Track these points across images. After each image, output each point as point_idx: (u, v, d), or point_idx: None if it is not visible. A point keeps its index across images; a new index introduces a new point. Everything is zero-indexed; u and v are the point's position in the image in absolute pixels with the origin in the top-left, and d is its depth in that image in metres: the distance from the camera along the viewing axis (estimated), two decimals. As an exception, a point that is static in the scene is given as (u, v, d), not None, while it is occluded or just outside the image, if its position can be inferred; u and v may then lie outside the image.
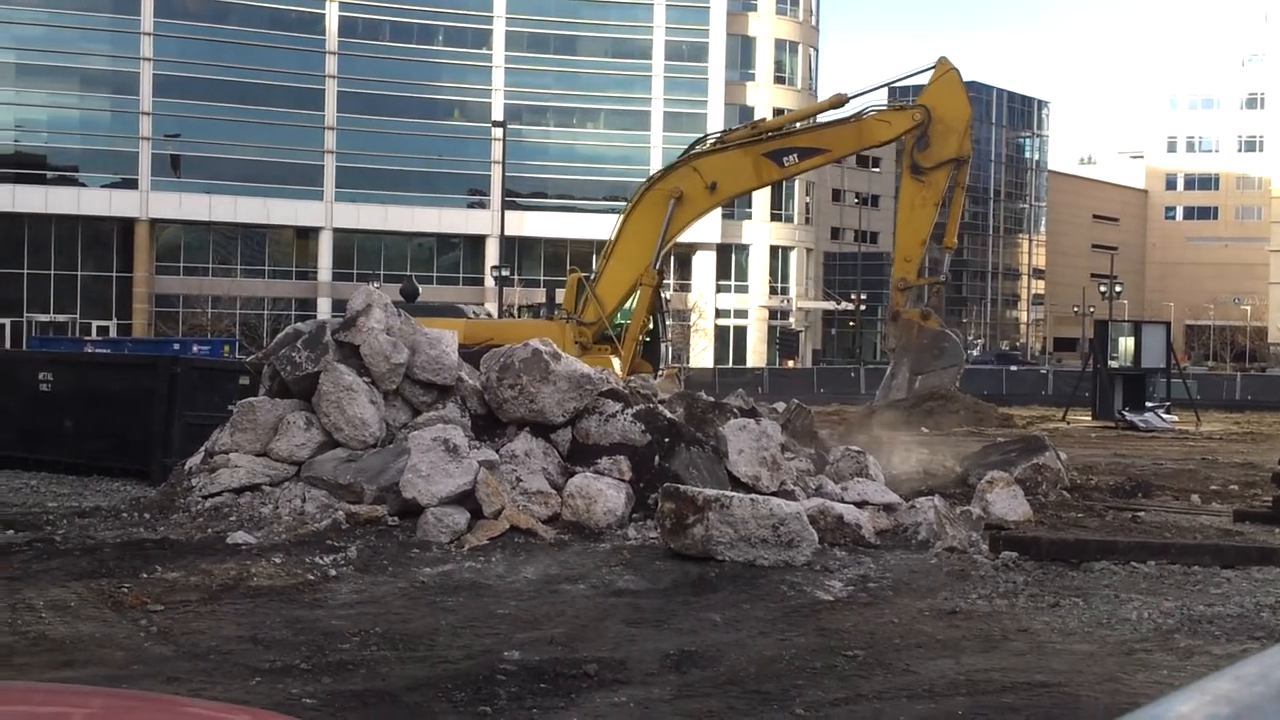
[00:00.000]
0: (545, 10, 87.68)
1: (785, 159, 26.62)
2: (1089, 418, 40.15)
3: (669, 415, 15.46)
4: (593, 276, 28.22)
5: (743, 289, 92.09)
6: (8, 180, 77.66)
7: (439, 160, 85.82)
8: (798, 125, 28.09)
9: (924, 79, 29.23)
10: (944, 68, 26.18)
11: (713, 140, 28.35)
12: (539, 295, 72.52)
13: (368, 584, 11.15)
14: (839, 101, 29.12)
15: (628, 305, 27.99)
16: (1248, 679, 1.61)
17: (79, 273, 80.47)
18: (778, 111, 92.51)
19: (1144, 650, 9.29)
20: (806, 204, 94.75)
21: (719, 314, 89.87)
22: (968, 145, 25.51)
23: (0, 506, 16.18)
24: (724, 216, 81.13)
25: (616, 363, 25.51)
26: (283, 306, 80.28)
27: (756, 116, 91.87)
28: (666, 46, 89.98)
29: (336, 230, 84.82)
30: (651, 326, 28.09)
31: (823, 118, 29.94)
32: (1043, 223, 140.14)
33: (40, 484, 18.74)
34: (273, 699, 7.63)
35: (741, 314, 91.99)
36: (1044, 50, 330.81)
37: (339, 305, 64.04)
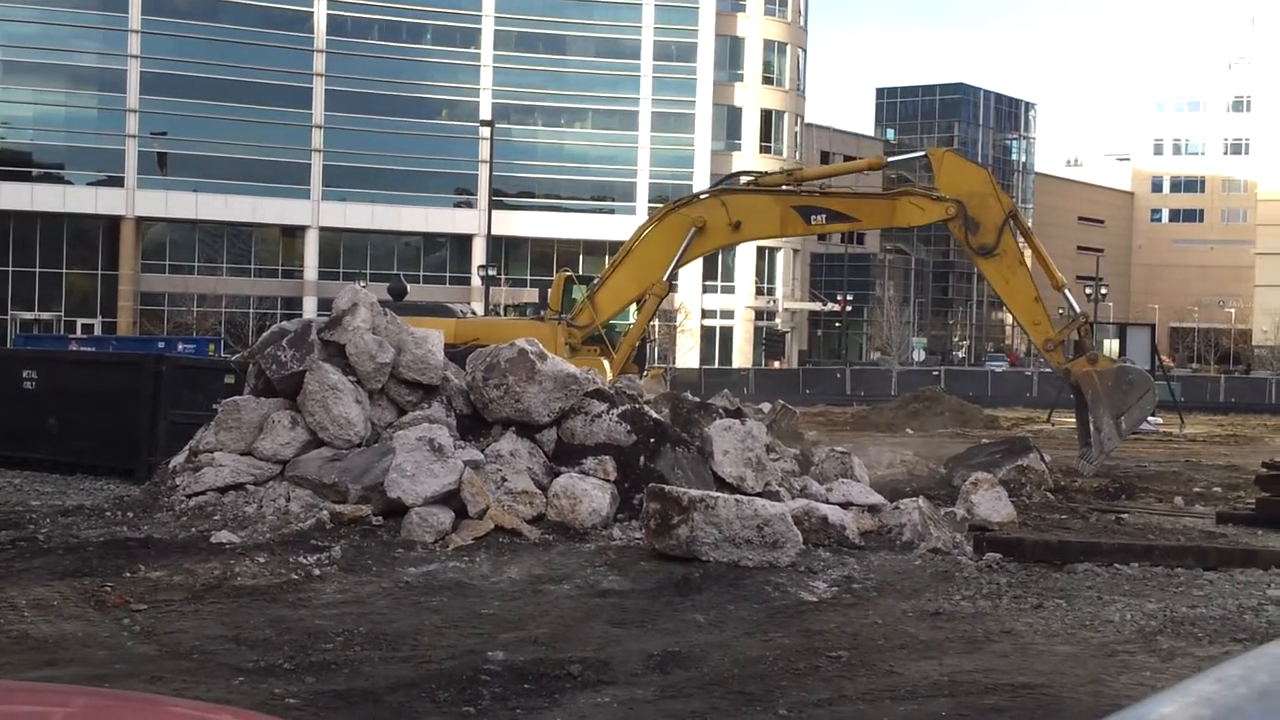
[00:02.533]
0: (534, 10, 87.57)
1: (813, 217, 26.49)
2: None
3: (654, 416, 15.47)
4: (595, 281, 28.17)
5: (729, 290, 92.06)
6: (-7, 177, 77.44)
7: (426, 159, 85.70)
8: (831, 182, 27.74)
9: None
10: (937, 158, 26.11)
11: (748, 179, 28.27)
12: (525, 295, 72.46)
13: (352, 584, 11.13)
14: (878, 164, 29.27)
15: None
16: (1230, 681, 1.62)
17: (64, 270, 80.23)
18: (765, 113, 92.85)
19: (1127, 652, 9.31)
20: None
21: (705, 314, 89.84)
22: (1005, 197, 25.33)
23: (-17, 505, 16.13)
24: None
25: (606, 364, 25.46)
26: (268, 305, 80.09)
27: (745, 117, 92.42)
28: (655, 47, 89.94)
29: (323, 229, 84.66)
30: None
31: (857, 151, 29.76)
32: (1029, 224, 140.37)
33: (24, 482, 18.68)
34: (256, 699, 7.62)
35: (728, 315, 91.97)
36: (1031, 52, 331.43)
37: (325, 304, 63.88)
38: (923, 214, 25.93)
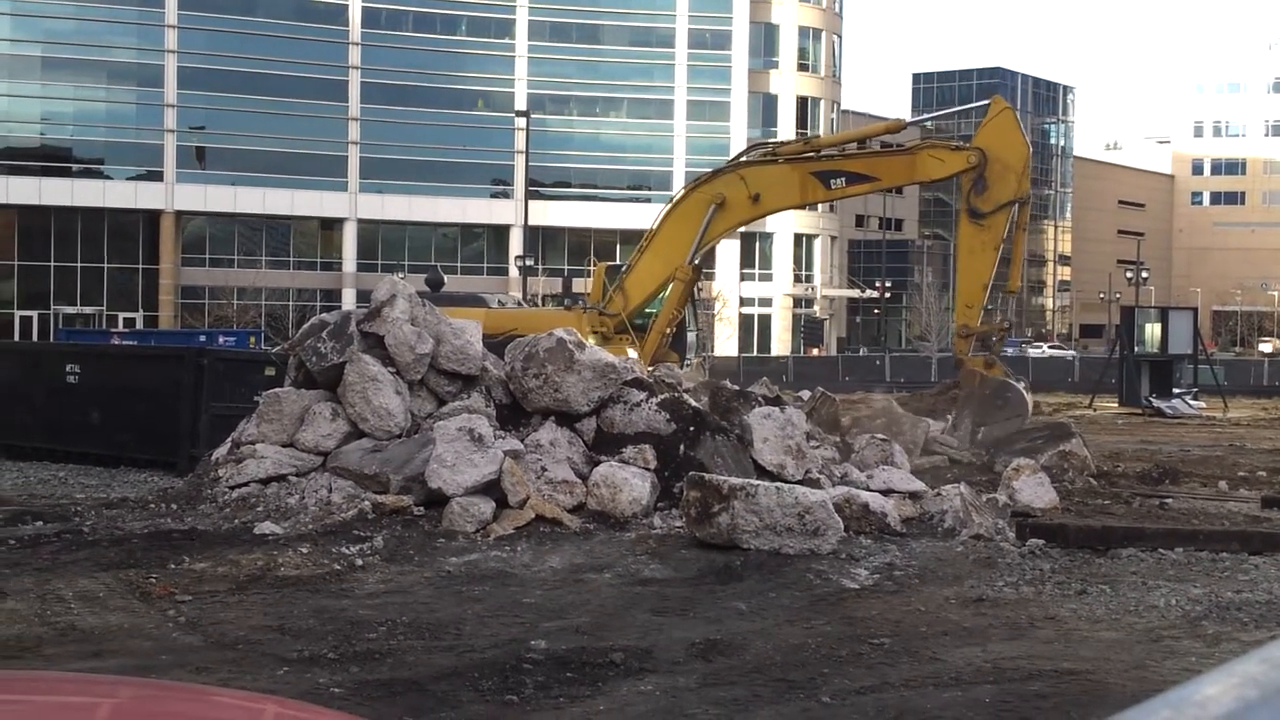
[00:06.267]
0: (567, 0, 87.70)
1: (833, 181, 26.08)
2: (1116, 404, 40.03)
3: (694, 404, 15.45)
4: (623, 269, 28.10)
5: (767, 277, 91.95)
6: (34, 173, 78.04)
7: (463, 150, 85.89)
8: (851, 147, 27.28)
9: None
10: (998, 107, 25.50)
11: (764, 150, 27.97)
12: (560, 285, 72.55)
13: (394, 574, 11.18)
14: (897, 127, 28.83)
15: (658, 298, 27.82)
16: (1275, 661, 1.61)
17: (105, 265, 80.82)
18: (801, 100, 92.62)
19: (1172, 637, 9.26)
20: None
21: (743, 302, 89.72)
22: (1026, 185, 24.63)
23: (29, 498, 16.28)
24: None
25: (633, 353, 25.42)
26: (308, 297, 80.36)
27: (780, 104, 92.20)
28: (689, 34, 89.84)
29: (361, 221, 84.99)
30: (681, 318, 27.89)
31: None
32: (1069, 209, 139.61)
33: (68, 475, 18.83)
34: (300, 688, 7.65)
35: (766, 302, 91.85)
36: (1070, 35, 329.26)
37: (364, 296, 64.17)
38: (943, 165, 25.54)
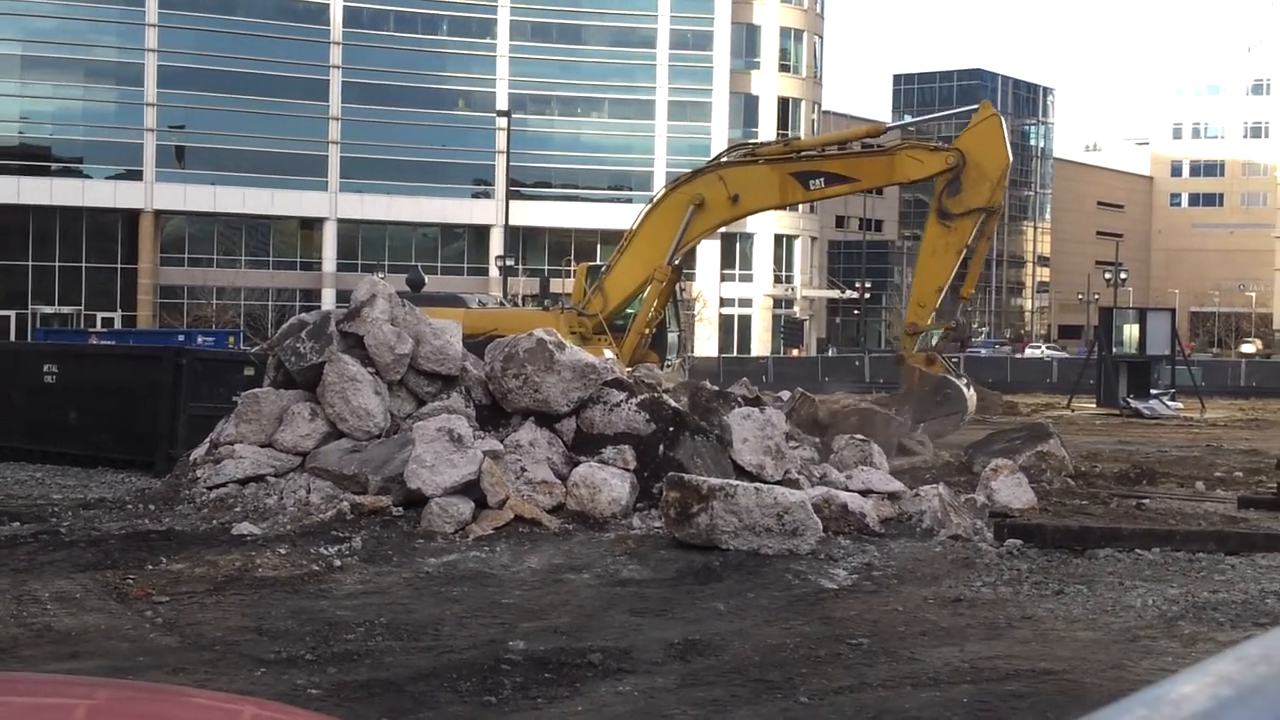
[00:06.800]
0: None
1: (812, 182, 26.11)
2: (1094, 405, 40.16)
3: (673, 404, 15.47)
4: (603, 270, 28.11)
5: (747, 278, 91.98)
6: (12, 172, 77.65)
7: (443, 150, 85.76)
8: (831, 149, 27.32)
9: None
10: (985, 112, 25.45)
11: (744, 151, 27.96)
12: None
13: (373, 574, 11.16)
14: (877, 130, 28.78)
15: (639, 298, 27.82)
16: (1250, 660, 1.61)
17: (84, 264, 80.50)
18: (782, 101, 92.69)
19: (1148, 637, 9.29)
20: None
21: (723, 303, 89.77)
22: (999, 195, 24.59)
23: (6, 499, 16.20)
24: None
25: (610, 353, 25.46)
26: (287, 297, 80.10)
27: (762, 105, 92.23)
28: (671, 35, 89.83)
29: (341, 221, 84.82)
30: (660, 318, 27.92)
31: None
32: (1048, 210, 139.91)
33: (45, 476, 18.75)
34: (278, 689, 7.64)
35: (746, 303, 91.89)
36: (1050, 37, 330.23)
37: (343, 296, 64.02)
38: (922, 166, 25.58)
